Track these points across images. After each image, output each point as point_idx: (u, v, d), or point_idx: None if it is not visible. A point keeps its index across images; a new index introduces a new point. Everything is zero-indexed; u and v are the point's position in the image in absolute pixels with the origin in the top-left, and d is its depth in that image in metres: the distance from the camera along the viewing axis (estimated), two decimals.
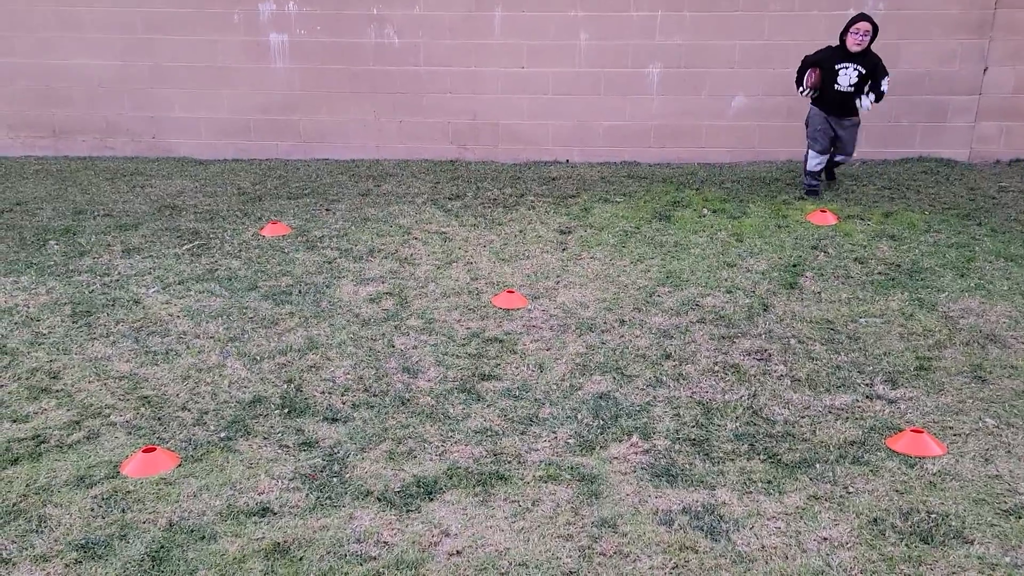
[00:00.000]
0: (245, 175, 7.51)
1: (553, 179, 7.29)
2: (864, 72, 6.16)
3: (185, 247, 5.73)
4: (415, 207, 6.54)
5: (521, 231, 6.00)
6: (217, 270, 5.34)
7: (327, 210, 6.50)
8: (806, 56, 6.38)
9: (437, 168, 7.69)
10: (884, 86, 6.18)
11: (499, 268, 5.36)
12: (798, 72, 6.38)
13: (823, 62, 6.26)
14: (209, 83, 7.92)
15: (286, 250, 5.67)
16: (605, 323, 4.59)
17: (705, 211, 6.34)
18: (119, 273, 5.29)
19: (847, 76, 6.16)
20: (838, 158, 6.60)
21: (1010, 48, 7.32)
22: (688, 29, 7.47)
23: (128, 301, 4.89)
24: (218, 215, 6.39)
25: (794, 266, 5.30)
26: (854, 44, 6.07)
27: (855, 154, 6.71)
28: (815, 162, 6.48)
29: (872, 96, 6.20)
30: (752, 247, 5.63)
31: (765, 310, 4.72)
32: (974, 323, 4.52)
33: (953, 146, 7.61)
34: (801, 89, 6.32)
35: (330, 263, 5.45)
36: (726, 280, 5.12)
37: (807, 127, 6.48)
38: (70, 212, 6.45)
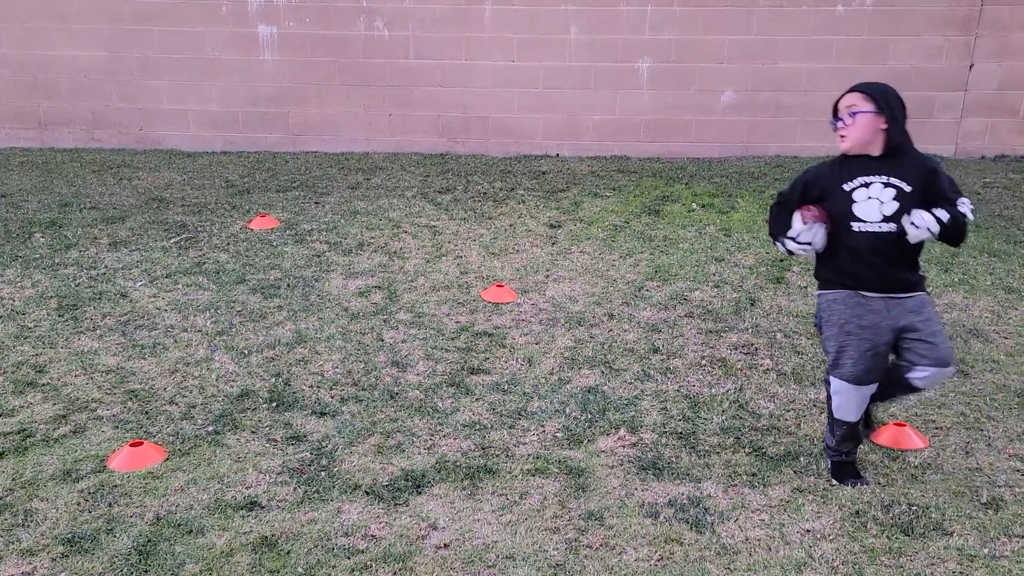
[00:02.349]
0: (233, 168, 7.49)
1: (543, 173, 7.30)
2: (909, 189, 2.90)
3: (172, 240, 5.71)
4: (405, 200, 6.54)
5: (511, 225, 6.01)
6: (205, 263, 5.33)
7: (316, 203, 6.49)
8: (789, 187, 3.12)
9: (427, 161, 7.68)
10: (964, 208, 2.89)
11: (489, 262, 5.37)
12: (771, 212, 3.20)
13: (824, 185, 3.01)
14: (197, 75, 7.88)
15: (275, 243, 5.66)
16: (594, 317, 4.61)
17: (694, 205, 6.37)
18: (106, 266, 5.27)
19: (874, 200, 2.92)
20: (917, 375, 2.97)
21: (996, 45, 7.37)
22: (678, 24, 7.48)
23: (115, 294, 4.87)
24: (206, 208, 6.37)
25: (781, 261, 5.33)
26: (839, 135, 2.99)
27: (953, 367, 3.12)
28: (845, 402, 3.06)
29: (944, 215, 2.84)
30: (740, 242, 5.66)
31: (752, 304, 4.75)
32: (957, 318, 4.56)
33: (939, 142, 7.66)
34: (791, 239, 3.05)
35: (319, 256, 5.44)
36: (714, 274, 5.14)
37: (819, 331, 3.16)
38: (56, 204, 6.42)
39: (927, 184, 2.90)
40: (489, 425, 3.59)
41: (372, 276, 5.15)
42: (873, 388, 3.03)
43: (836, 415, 3.10)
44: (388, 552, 2.81)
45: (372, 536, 2.90)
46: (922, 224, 2.82)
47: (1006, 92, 7.49)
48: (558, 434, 3.52)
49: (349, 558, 2.79)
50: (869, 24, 7.37)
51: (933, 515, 2.97)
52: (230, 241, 5.70)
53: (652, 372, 4.03)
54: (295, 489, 3.16)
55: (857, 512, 3.00)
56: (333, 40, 7.73)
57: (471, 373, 4.02)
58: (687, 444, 3.45)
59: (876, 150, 2.94)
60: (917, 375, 2.95)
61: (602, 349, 4.25)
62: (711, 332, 4.42)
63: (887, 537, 2.87)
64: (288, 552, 2.82)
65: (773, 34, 7.44)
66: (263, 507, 3.06)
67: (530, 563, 2.76)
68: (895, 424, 3.48)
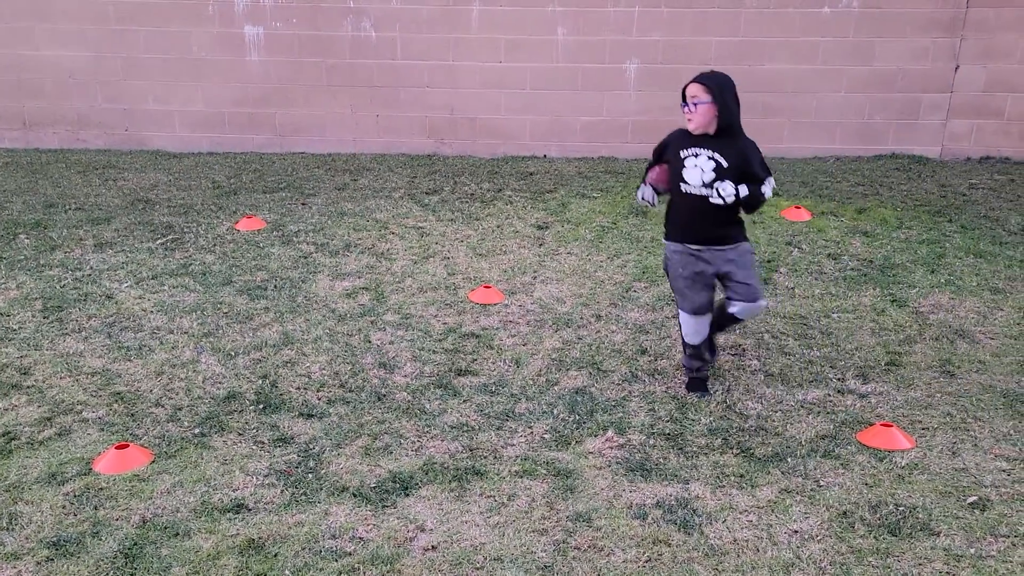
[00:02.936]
0: (220, 169, 7.45)
1: (530, 174, 7.30)
2: (727, 164, 3.53)
3: (158, 241, 5.68)
4: (392, 201, 6.52)
5: (498, 226, 6.00)
6: (191, 265, 5.30)
7: (303, 204, 6.46)
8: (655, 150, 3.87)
9: (414, 162, 7.67)
10: (766, 190, 3.59)
11: (476, 263, 5.36)
12: (647, 169, 3.84)
13: (671, 147, 3.71)
14: (183, 75, 7.84)
15: (261, 244, 5.63)
16: (581, 318, 4.61)
17: None
18: (91, 268, 5.23)
19: (698, 169, 3.56)
20: (734, 308, 3.70)
21: (981, 47, 7.42)
22: (665, 25, 7.50)
23: (100, 296, 4.84)
24: (192, 209, 6.33)
25: (768, 262, 5.35)
26: (686, 119, 3.60)
27: (763, 301, 3.73)
28: (690, 330, 3.78)
29: (743, 189, 3.51)
30: None
31: None
32: (943, 318, 4.59)
33: (925, 143, 7.72)
34: (638, 190, 3.80)
35: (306, 258, 5.42)
36: None
37: (666, 273, 3.85)
38: (41, 205, 6.37)
39: (742, 162, 3.56)
40: (477, 427, 3.58)
41: (359, 277, 5.14)
42: (708, 318, 3.77)
43: (685, 340, 3.84)
44: (376, 554, 2.80)
45: (360, 538, 2.89)
46: (724, 194, 3.51)
47: (991, 94, 7.55)
48: (546, 435, 3.52)
49: (337, 560, 2.78)
50: (855, 26, 7.41)
51: (920, 515, 2.99)
52: (216, 242, 5.67)
53: (640, 373, 4.03)
54: (282, 491, 3.14)
55: (844, 513, 3.01)
56: (320, 41, 7.70)
57: (459, 375, 4.02)
58: (675, 445, 3.45)
59: (711, 130, 3.58)
60: (734, 308, 3.71)
61: (590, 350, 4.25)
62: None
63: (874, 537, 2.88)
64: (275, 555, 2.81)
65: (760, 36, 7.47)
66: (250, 509, 3.04)
67: (518, 565, 2.76)
68: (882, 424, 3.50)
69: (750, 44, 7.49)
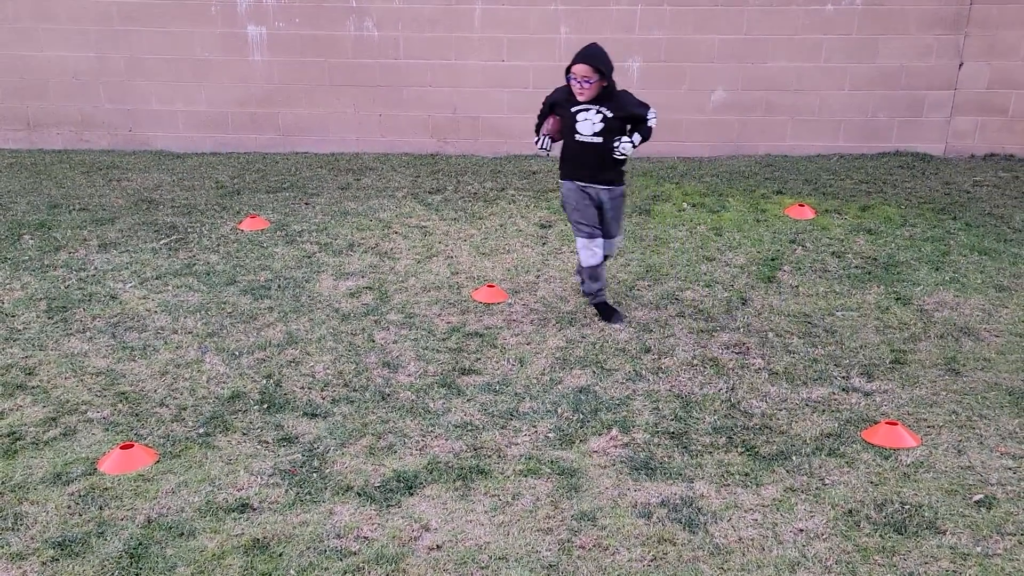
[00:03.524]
0: (223, 169, 7.45)
1: (533, 173, 7.29)
2: (611, 115, 4.32)
3: (162, 242, 5.68)
4: (395, 201, 6.52)
5: (501, 225, 6.00)
6: (195, 265, 5.30)
7: (306, 204, 6.47)
8: (542, 106, 4.65)
9: (417, 162, 7.67)
10: (651, 119, 4.36)
11: (479, 262, 5.36)
12: (539, 117, 4.64)
13: (560, 104, 4.45)
14: (187, 75, 7.85)
15: (265, 244, 5.64)
16: (585, 317, 4.60)
17: (685, 205, 6.37)
18: (95, 268, 5.24)
19: (588, 122, 4.33)
20: (602, 242, 4.53)
21: (985, 43, 7.40)
22: (668, 23, 7.49)
23: (104, 296, 4.84)
24: (196, 209, 6.34)
25: (772, 260, 5.34)
26: (578, 93, 4.31)
27: (620, 239, 4.68)
28: (587, 253, 4.48)
29: (636, 137, 4.34)
30: (731, 241, 5.67)
31: (743, 304, 4.75)
32: (948, 316, 4.58)
33: (929, 141, 7.70)
34: (536, 140, 4.55)
35: (309, 257, 5.42)
36: (705, 274, 5.15)
37: (564, 208, 4.61)
38: (45, 206, 6.38)
39: (625, 111, 4.34)
40: (481, 426, 3.58)
41: (363, 277, 5.14)
42: (599, 241, 4.48)
43: (583, 264, 4.51)
44: (380, 554, 2.80)
45: (364, 538, 2.89)
46: (625, 150, 4.33)
47: (995, 91, 7.52)
48: (550, 434, 3.52)
49: (341, 560, 2.78)
50: (858, 23, 7.39)
51: (926, 514, 2.98)
52: (220, 242, 5.68)
53: (644, 372, 4.02)
54: (287, 491, 3.15)
55: (850, 511, 3.01)
56: (323, 40, 7.70)
57: (462, 374, 4.01)
58: (679, 444, 3.45)
59: (589, 98, 4.33)
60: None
61: (593, 349, 4.25)
62: (702, 331, 4.43)
63: (880, 536, 2.87)
64: (280, 554, 2.81)
65: (763, 33, 7.45)
66: (255, 509, 3.04)
67: (523, 564, 2.76)
68: (887, 423, 3.49)
69: (753, 42, 7.48)
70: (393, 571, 2.73)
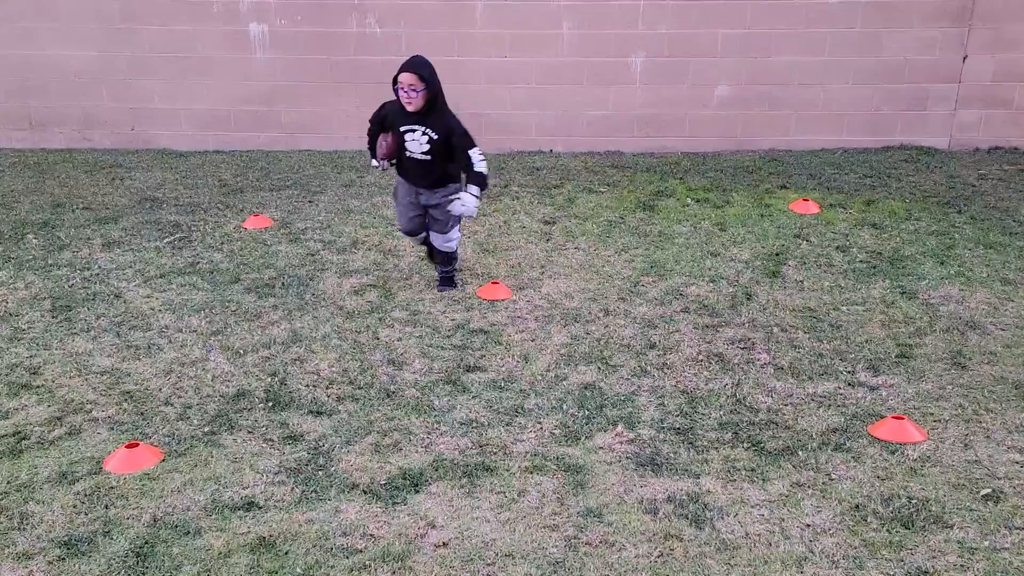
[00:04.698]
0: (226, 167, 7.45)
1: (537, 169, 7.28)
2: (436, 138, 4.46)
3: (166, 240, 5.68)
4: None
5: (505, 222, 5.99)
6: (199, 263, 5.30)
7: (310, 202, 6.46)
8: (370, 123, 4.76)
9: None
10: (476, 163, 4.50)
11: (483, 259, 5.35)
12: (368, 135, 4.76)
13: (389, 120, 4.60)
14: (189, 74, 7.84)
15: (269, 242, 5.63)
16: (590, 313, 4.60)
17: (689, 200, 6.36)
18: (99, 267, 5.24)
19: (416, 141, 4.50)
20: (431, 238, 4.83)
21: (989, 36, 7.37)
22: (671, 17, 7.47)
23: (109, 295, 4.84)
24: (199, 207, 6.34)
25: (777, 255, 5.32)
26: (406, 102, 4.40)
27: (453, 236, 4.79)
28: (410, 242, 5.14)
29: (474, 190, 4.52)
30: (735, 236, 5.65)
31: (748, 299, 4.74)
32: (954, 310, 4.56)
33: (933, 134, 7.66)
34: (374, 164, 4.72)
35: (313, 255, 5.42)
36: (710, 269, 5.14)
37: (394, 199, 4.93)
38: (48, 205, 6.38)
39: (448, 134, 4.48)
40: (486, 423, 3.58)
41: (367, 274, 5.13)
42: (421, 236, 4.87)
43: (412, 242, 5.06)
44: (387, 551, 2.80)
45: (370, 535, 2.89)
46: (468, 210, 4.56)
47: (1000, 84, 7.49)
48: (555, 431, 3.51)
49: (348, 558, 2.78)
50: (862, 17, 7.36)
51: (933, 508, 2.97)
52: (224, 240, 5.67)
53: (649, 368, 4.02)
54: (292, 489, 3.14)
55: (857, 506, 3.00)
56: (325, 38, 7.69)
57: (467, 371, 4.01)
58: (685, 440, 3.44)
59: (423, 108, 4.44)
60: (430, 237, 4.81)
61: (598, 345, 4.24)
62: (707, 327, 4.42)
63: (887, 531, 2.87)
64: (286, 552, 2.81)
65: (766, 27, 7.42)
66: (260, 507, 3.04)
67: (529, 561, 2.75)
68: (893, 417, 3.48)
69: (757, 36, 7.45)
70: (399, 568, 2.73)
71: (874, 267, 5.12)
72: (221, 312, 4.63)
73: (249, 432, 3.53)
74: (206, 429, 3.55)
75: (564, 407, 3.69)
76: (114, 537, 2.88)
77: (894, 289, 4.83)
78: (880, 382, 3.86)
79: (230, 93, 7.89)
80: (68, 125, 8.07)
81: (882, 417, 3.54)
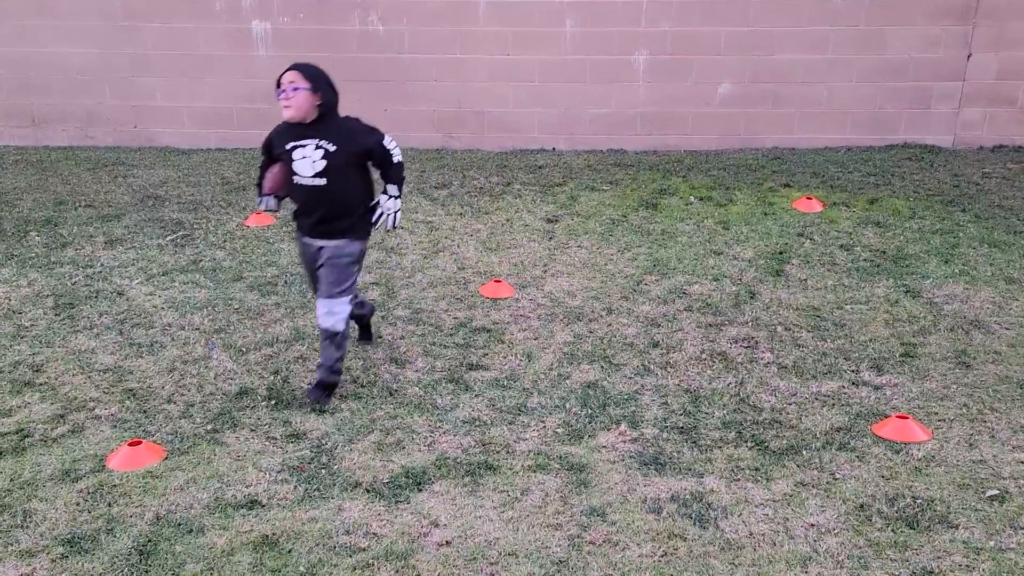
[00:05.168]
0: (229, 164, 7.44)
1: (539, 167, 7.27)
2: (334, 149, 3.50)
3: (169, 238, 5.68)
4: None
5: (508, 220, 5.98)
6: (201, 261, 5.30)
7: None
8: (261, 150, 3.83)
9: (423, 156, 7.65)
10: (395, 153, 3.60)
11: (486, 257, 5.34)
12: (261, 168, 3.79)
13: (276, 143, 3.68)
14: (191, 71, 7.83)
15: (271, 240, 5.63)
16: (592, 312, 4.59)
17: (692, 199, 6.34)
18: (102, 264, 5.24)
19: (307, 160, 3.50)
20: (318, 307, 3.64)
21: (993, 34, 7.35)
22: (674, 15, 7.45)
23: (111, 293, 4.84)
24: (202, 205, 6.33)
25: (780, 253, 5.31)
26: (284, 106, 3.56)
27: (343, 304, 3.59)
28: (320, 311, 3.65)
29: (393, 189, 3.60)
30: (738, 235, 5.64)
31: (752, 298, 4.73)
32: (958, 309, 4.55)
33: (937, 132, 7.65)
34: (258, 200, 3.72)
35: None
36: (713, 268, 5.12)
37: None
38: (51, 203, 6.38)
39: (348, 140, 3.54)
40: (489, 421, 3.57)
41: (369, 272, 5.12)
42: (326, 302, 3.61)
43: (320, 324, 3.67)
44: (390, 550, 2.79)
45: (373, 534, 2.88)
46: (388, 222, 3.58)
47: (1004, 82, 7.47)
48: (558, 430, 3.50)
49: (351, 556, 2.77)
50: (866, 14, 7.34)
51: (938, 508, 2.96)
52: (226, 238, 5.67)
53: (652, 366, 4.01)
54: (295, 487, 3.14)
55: (861, 506, 2.99)
56: (327, 35, 7.68)
57: (470, 369, 4.00)
58: (688, 439, 3.43)
59: (312, 117, 3.54)
60: (318, 307, 3.64)
61: (601, 344, 4.23)
62: (711, 326, 4.41)
63: (892, 531, 2.86)
64: (289, 551, 2.80)
65: (770, 25, 7.41)
66: (263, 506, 3.03)
67: (532, 560, 2.75)
68: (898, 416, 3.47)
69: (760, 34, 7.43)
70: (403, 567, 2.72)
71: (878, 266, 5.11)
72: (224, 310, 4.62)
73: (252, 430, 3.52)
74: (209, 427, 3.54)
75: (567, 406, 3.68)
76: (117, 535, 2.88)
77: (898, 288, 4.81)
78: (884, 381, 3.85)
79: (232, 91, 7.88)
80: (70, 123, 8.07)
81: (886, 416, 3.53)
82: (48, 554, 2.80)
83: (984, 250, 5.30)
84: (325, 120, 3.55)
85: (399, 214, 3.64)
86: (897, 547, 2.78)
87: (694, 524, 2.91)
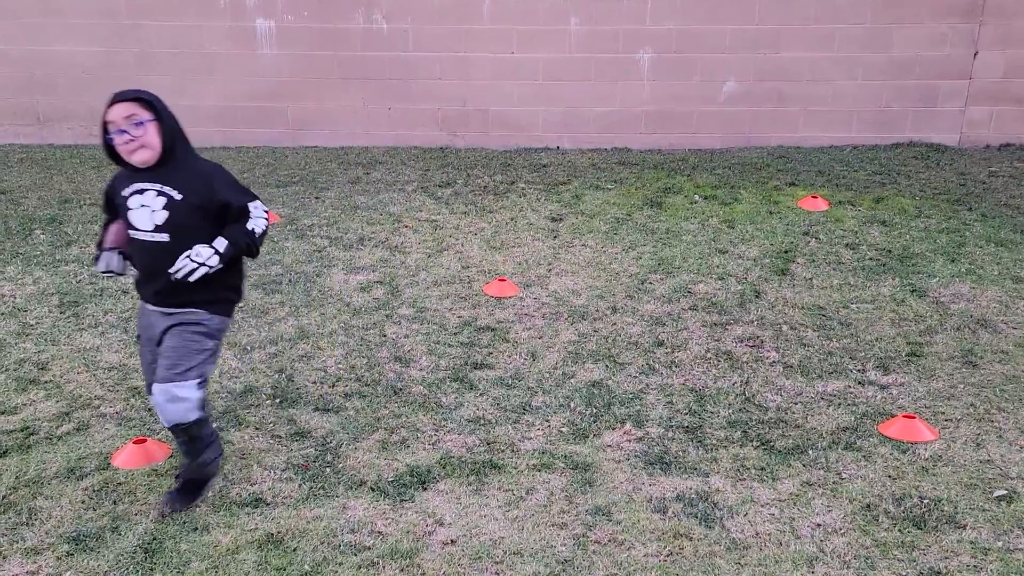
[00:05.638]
0: (232, 163, 7.44)
1: (544, 166, 7.26)
2: (180, 198, 2.79)
3: None
4: (405, 195, 6.50)
5: (512, 218, 5.97)
6: None
7: (316, 198, 6.45)
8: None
9: (427, 155, 7.64)
10: (256, 218, 2.87)
11: (490, 256, 5.34)
12: (103, 227, 3.00)
13: (112, 192, 2.94)
14: (195, 70, 7.84)
15: (275, 239, 5.62)
16: (597, 311, 4.58)
17: (697, 197, 6.33)
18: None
19: (146, 209, 2.79)
20: (154, 389, 2.87)
21: (1000, 32, 7.32)
22: (678, 13, 7.43)
23: (116, 291, 4.84)
24: None
25: (785, 252, 5.29)
26: (126, 152, 2.78)
27: (187, 390, 2.82)
28: (157, 407, 2.86)
29: (222, 244, 2.80)
30: (743, 233, 5.62)
31: (757, 296, 4.72)
32: (965, 308, 4.53)
33: (943, 131, 7.62)
34: (97, 262, 2.94)
35: (320, 252, 5.41)
36: (718, 267, 5.11)
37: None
38: (56, 201, 6.38)
39: (203, 188, 2.81)
40: (493, 420, 3.56)
41: (373, 271, 5.12)
42: (165, 388, 2.81)
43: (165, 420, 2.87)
44: (395, 548, 2.79)
45: (378, 532, 2.88)
46: (188, 266, 2.73)
47: (1011, 80, 7.44)
48: (563, 429, 3.50)
49: (356, 555, 2.77)
50: (872, 12, 7.32)
51: (945, 508, 2.95)
52: None
53: (657, 366, 4.00)
54: (300, 486, 3.13)
55: (868, 506, 2.97)
56: (331, 34, 7.68)
57: (474, 368, 3.99)
58: (694, 438, 3.42)
59: (154, 158, 2.80)
60: (152, 391, 2.86)
61: (606, 343, 4.22)
62: (716, 325, 4.39)
63: (899, 531, 2.84)
64: (294, 549, 2.80)
65: (775, 23, 7.39)
66: (268, 504, 3.03)
67: (537, 559, 2.74)
68: (904, 416, 3.45)
69: (765, 32, 7.42)
70: (408, 566, 2.71)
71: (884, 265, 5.09)
72: None
73: (256, 428, 3.52)
74: (213, 425, 3.53)
75: (572, 405, 3.67)
76: (122, 533, 2.88)
77: (904, 287, 4.80)
78: (890, 381, 3.84)
79: (236, 89, 7.88)
80: (75, 121, 8.07)
81: (893, 416, 3.51)
82: (53, 552, 2.80)
83: (991, 249, 5.28)
84: (171, 159, 2.81)
85: (204, 271, 2.75)
86: (904, 547, 2.77)
87: (700, 524, 2.90)
